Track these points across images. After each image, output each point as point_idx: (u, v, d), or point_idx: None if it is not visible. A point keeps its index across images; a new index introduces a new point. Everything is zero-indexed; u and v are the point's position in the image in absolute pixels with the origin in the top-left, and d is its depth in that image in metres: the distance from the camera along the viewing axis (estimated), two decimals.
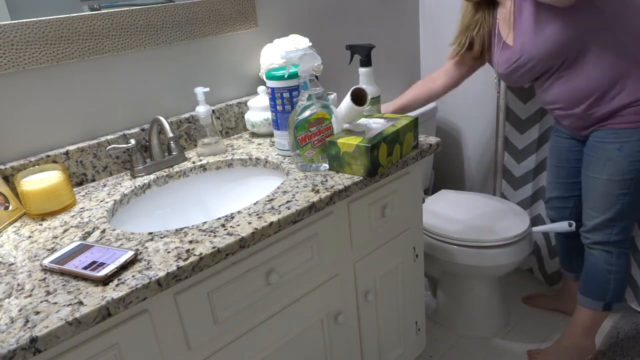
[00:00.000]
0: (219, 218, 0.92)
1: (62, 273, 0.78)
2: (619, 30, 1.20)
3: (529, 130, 1.77)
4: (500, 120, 1.87)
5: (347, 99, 1.12)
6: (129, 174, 1.20)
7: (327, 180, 1.05)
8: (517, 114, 1.78)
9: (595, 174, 1.34)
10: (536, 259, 1.93)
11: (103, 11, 1.14)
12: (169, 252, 0.81)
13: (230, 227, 0.88)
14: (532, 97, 1.74)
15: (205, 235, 0.86)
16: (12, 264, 0.83)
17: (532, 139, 1.78)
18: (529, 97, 1.75)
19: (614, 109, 1.25)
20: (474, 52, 1.45)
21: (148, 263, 0.79)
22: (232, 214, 0.93)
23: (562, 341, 1.51)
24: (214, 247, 0.81)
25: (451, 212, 1.69)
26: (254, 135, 1.41)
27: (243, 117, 1.44)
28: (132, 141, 1.17)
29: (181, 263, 0.78)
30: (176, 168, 1.21)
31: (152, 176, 1.17)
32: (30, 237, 0.93)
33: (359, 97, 1.12)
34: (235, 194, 1.25)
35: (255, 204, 0.97)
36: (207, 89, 1.25)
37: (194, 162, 1.24)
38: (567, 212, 1.59)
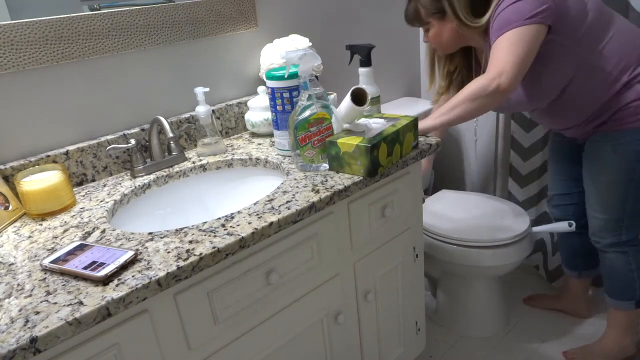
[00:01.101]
0: (219, 218, 0.92)
1: (62, 273, 0.78)
2: (597, 60, 1.22)
3: (534, 128, 1.78)
4: (501, 120, 1.87)
5: (347, 99, 1.12)
6: (129, 174, 1.20)
7: (327, 180, 1.05)
8: (523, 113, 1.78)
9: (595, 176, 1.35)
10: (542, 256, 1.93)
11: (103, 11, 1.14)
12: (169, 252, 0.81)
13: (230, 227, 0.88)
14: (534, 127, 1.77)
15: (205, 235, 0.86)
16: (12, 264, 0.83)
17: (538, 137, 1.78)
18: (531, 127, 1.78)
19: (605, 119, 1.27)
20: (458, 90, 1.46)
21: (148, 263, 0.79)
22: (232, 214, 0.93)
23: (603, 341, 1.50)
24: (214, 247, 0.81)
25: (451, 212, 1.69)
26: (254, 135, 1.41)
27: (243, 117, 1.44)
28: (132, 141, 1.17)
29: (181, 263, 0.78)
30: (176, 168, 1.21)
31: (152, 176, 1.17)
32: (30, 237, 0.93)
33: (359, 97, 1.12)
34: (235, 194, 1.25)
35: (255, 204, 0.97)
36: (207, 89, 1.25)
37: (194, 162, 1.24)
38: (570, 210, 1.59)
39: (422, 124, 1.25)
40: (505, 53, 1.14)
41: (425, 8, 1.28)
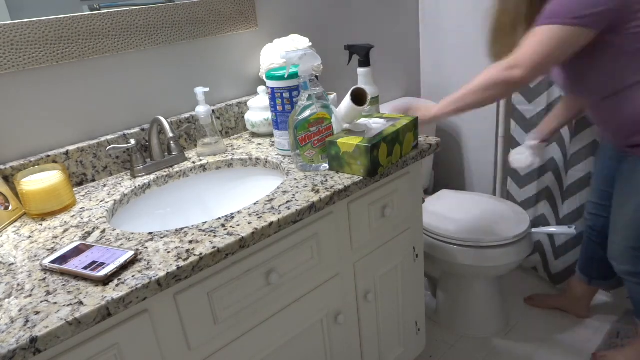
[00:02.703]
0: (219, 218, 0.92)
1: (62, 273, 0.78)
2: None
3: (534, 129, 1.77)
4: (500, 120, 1.87)
5: (347, 99, 1.12)
6: (129, 174, 1.20)
7: (327, 180, 1.05)
8: (522, 113, 1.78)
9: (622, 199, 1.30)
10: (540, 258, 1.93)
11: (103, 11, 1.14)
12: (169, 252, 0.81)
13: (230, 227, 0.88)
14: (537, 96, 1.74)
15: (205, 235, 0.86)
16: (12, 264, 0.83)
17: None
18: (534, 97, 1.75)
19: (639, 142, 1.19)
20: None
21: (148, 263, 0.79)
22: (232, 214, 0.93)
23: (632, 350, 1.48)
24: (214, 247, 0.81)
25: (451, 212, 1.69)
26: (254, 135, 1.41)
27: (243, 117, 1.44)
28: (132, 141, 1.17)
29: (181, 263, 0.78)
30: (176, 168, 1.21)
31: (152, 176, 1.17)
32: (30, 237, 0.93)
33: (359, 97, 1.12)
34: (235, 194, 1.25)
35: (255, 204, 0.97)
36: (207, 89, 1.25)
37: (194, 162, 1.24)
38: (600, 221, 1.53)
39: (427, 112, 1.21)
40: (529, 47, 1.08)
41: None
